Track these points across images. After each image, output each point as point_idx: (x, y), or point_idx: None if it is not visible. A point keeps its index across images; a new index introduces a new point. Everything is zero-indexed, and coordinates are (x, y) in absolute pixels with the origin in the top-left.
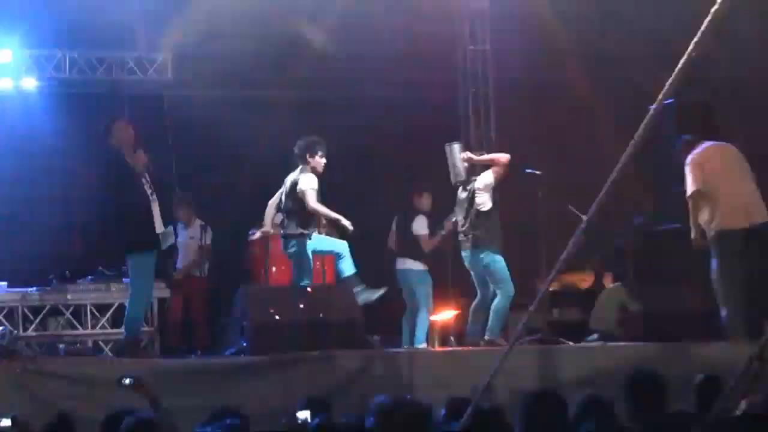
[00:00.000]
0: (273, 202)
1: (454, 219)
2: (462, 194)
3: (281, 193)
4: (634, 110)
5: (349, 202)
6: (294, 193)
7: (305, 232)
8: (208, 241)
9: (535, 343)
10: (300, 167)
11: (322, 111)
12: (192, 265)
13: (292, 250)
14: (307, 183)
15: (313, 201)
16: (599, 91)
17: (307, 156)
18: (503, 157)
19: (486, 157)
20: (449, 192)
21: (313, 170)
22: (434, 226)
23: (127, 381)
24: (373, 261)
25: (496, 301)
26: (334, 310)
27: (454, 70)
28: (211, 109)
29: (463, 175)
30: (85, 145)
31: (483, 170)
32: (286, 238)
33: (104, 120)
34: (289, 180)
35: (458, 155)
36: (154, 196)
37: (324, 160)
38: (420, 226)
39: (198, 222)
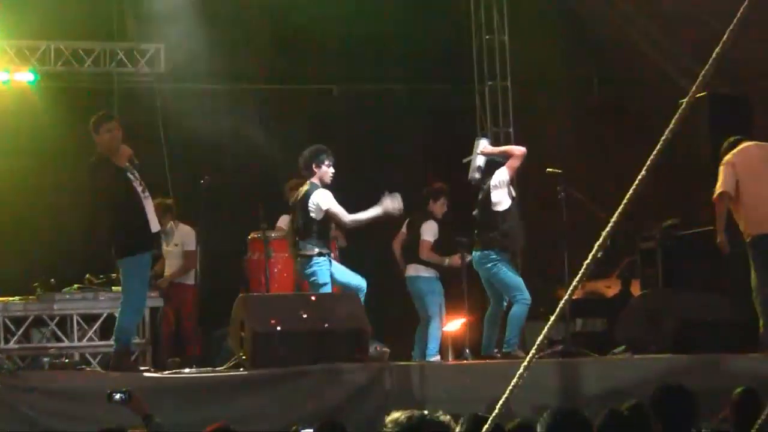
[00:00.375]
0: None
1: (468, 259)
2: (480, 195)
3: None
4: (665, 105)
5: (356, 205)
6: (305, 210)
7: (324, 251)
8: (192, 247)
9: (557, 356)
10: (309, 182)
11: (328, 106)
12: (177, 273)
13: (312, 270)
14: (327, 201)
15: (347, 217)
16: (627, 83)
17: (313, 167)
18: (518, 149)
19: (499, 148)
20: (463, 195)
21: (321, 181)
22: (446, 240)
23: (118, 396)
24: (382, 265)
25: (512, 309)
26: (339, 320)
27: (468, 63)
28: (208, 104)
29: (477, 174)
30: (72, 143)
31: (498, 168)
32: (303, 258)
33: (96, 114)
34: (299, 195)
35: (479, 151)
36: (147, 193)
37: (331, 170)
38: (427, 231)
39: (182, 227)
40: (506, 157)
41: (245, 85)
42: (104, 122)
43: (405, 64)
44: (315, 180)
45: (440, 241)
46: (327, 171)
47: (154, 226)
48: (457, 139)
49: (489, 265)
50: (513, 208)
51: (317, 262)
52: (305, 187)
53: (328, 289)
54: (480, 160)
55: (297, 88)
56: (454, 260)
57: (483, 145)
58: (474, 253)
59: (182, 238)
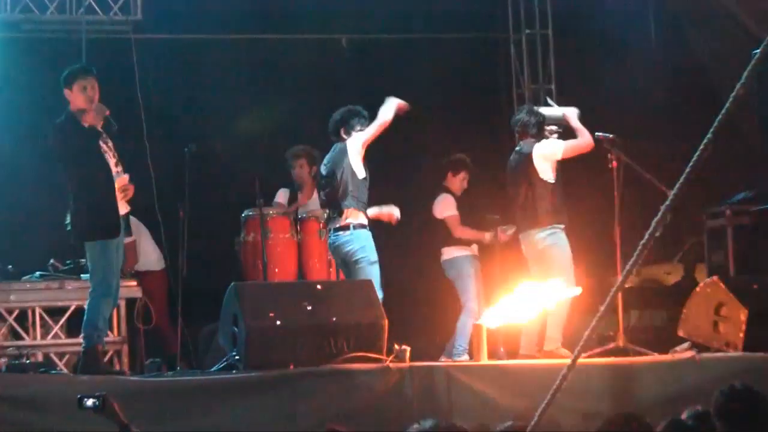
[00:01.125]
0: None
1: (511, 231)
2: (512, 163)
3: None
4: (735, 55)
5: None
6: (350, 177)
7: (365, 223)
8: (128, 238)
9: (608, 355)
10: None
11: (336, 59)
12: (125, 266)
13: (358, 246)
14: (355, 145)
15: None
16: (693, 31)
17: (341, 133)
18: (589, 140)
19: (577, 125)
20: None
21: None
22: (472, 219)
23: (90, 402)
24: (403, 251)
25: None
26: (350, 313)
27: (503, 7)
28: (193, 58)
29: (531, 116)
30: (32, 102)
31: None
32: (339, 231)
33: (71, 67)
34: (332, 161)
35: (550, 108)
36: (120, 169)
37: None
38: (445, 207)
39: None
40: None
41: (238, 35)
42: (80, 77)
43: (426, 8)
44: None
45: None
46: None
47: (123, 207)
48: (488, 97)
49: (545, 239)
50: (558, 182)
51: (361, 234)
52: (331, 153)
53: (377, 269)
54: (555, 112)
55: (299, 38)
56: (496, 235)
57: (573, 112)
58: (521, 235)
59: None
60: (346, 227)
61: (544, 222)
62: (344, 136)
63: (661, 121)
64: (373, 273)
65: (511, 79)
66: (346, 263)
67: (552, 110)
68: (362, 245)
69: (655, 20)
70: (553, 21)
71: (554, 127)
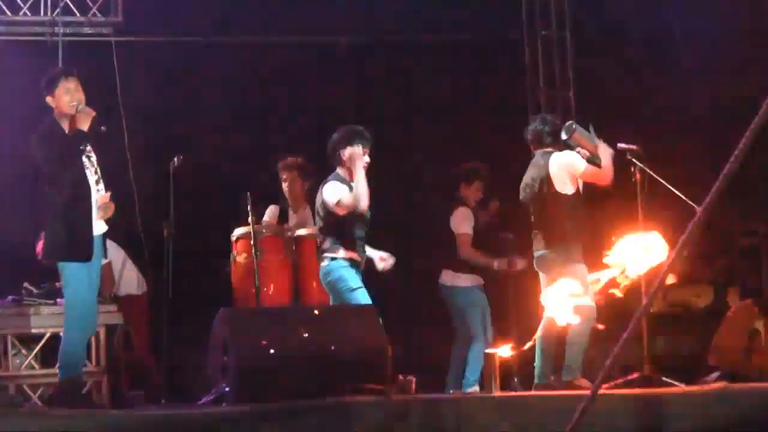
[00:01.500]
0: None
1: (522, 265)
2: (529, 175)
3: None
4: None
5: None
6: (328, 215)
7: (344, 256)
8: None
9: (632, 385)
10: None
11: (334, 63)
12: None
13: (337, 275)
14: (333, 194)
15: (353, 199)
16: (716, 34)
17: (340, 154)
18: (609, 174)
19: (606, 157)
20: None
21: (349, 172)
22: (487, 238)
23: None
24: (406, 270)
25: (573, 325)
26: (350, 341)
27: (516, 7)
28: (179, 62)
29: (565, 134)
30: (2, 113)
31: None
32: (324, 261)
33: (50, 71)
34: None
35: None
36: (101, 185)
37: (365, 159)
38: (462, 222)
39: None
40: (594, 162)
41: (227, 38)
42: (62, 80)
43: (432, 8)
44: (341, 170)
45: (480, 239)
46: None
47: (100, 227)
48: (500, 103)
49: (560, 257)
50: (577, 196)
51: (340, 265)
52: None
53: (364, 294)
54: (591, 138)
55: (294, 40)
56: (507, 264)
57: (607, 149)
58: (535, 253)
59: None
60: (325, 258)
61: (559, 239)
62: (342, 158)
63: (690, 126)
64: (354, 300)
65: (526, 84)
66: (332, 293)
67: (588, 135)
68: (340, 275)
69: (680, 21)
70: (571, 21)
71: (586, 152)
